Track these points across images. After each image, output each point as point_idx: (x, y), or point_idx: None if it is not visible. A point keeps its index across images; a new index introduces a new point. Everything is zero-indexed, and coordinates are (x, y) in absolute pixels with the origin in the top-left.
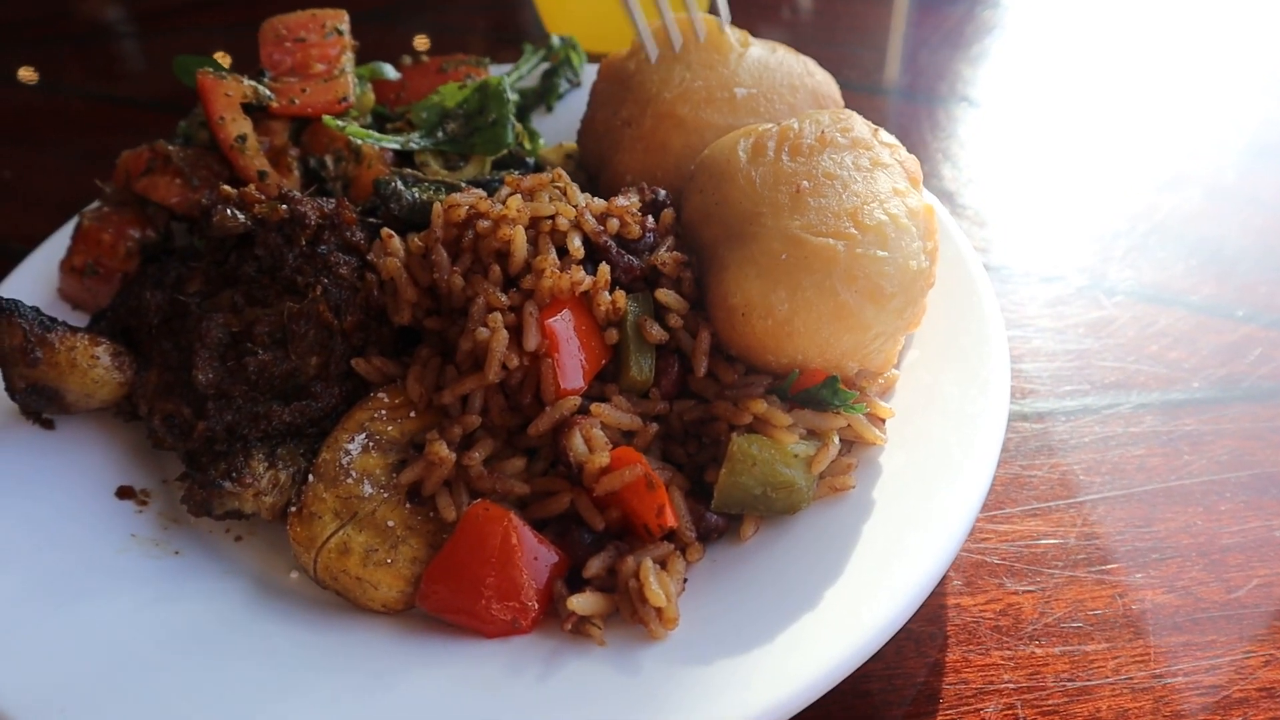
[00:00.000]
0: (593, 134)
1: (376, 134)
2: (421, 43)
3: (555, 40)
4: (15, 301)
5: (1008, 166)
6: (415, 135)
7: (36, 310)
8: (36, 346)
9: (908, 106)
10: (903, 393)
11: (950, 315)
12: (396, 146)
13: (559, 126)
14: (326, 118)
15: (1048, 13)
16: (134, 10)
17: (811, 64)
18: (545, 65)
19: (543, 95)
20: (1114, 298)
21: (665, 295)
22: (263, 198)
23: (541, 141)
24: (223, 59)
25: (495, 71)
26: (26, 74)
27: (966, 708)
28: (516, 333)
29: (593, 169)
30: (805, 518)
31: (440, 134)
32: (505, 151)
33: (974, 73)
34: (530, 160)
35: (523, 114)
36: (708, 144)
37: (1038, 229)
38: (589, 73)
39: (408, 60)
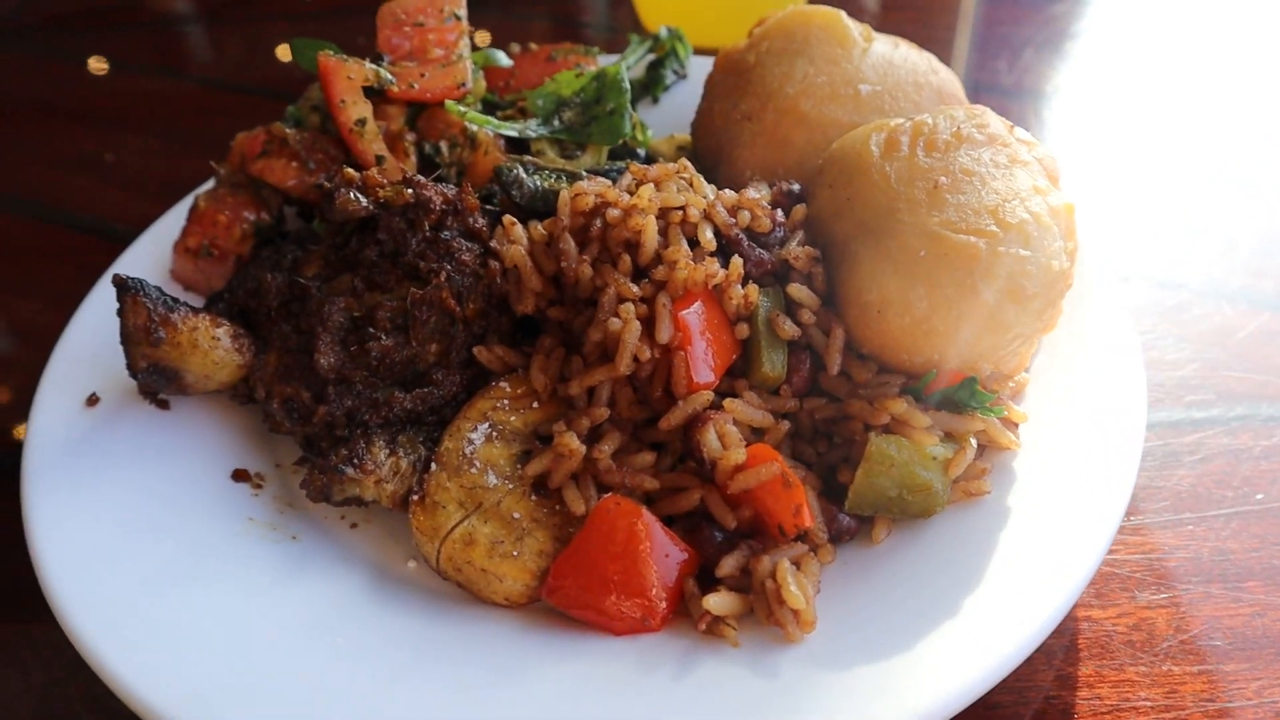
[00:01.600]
0: (709, 127)
1: (496, 120)
2: (482, 38)
3: (662, 31)
4: (140, 280)
5: (1122, 169)
6: (532, 123)
7: (160, 290)
8: (160, 326)
9: (1014, 104)
10: (1033, 397)
11: (1078, 318)
12: (514, 133)
13: (664, 118)
14: (448, 103)
15: (1165, 9)
16: None
17: (934, 60)
18: (651, 56)
19: (649, 86)
20: (1236, 305)
21: (798, 290)
22: (385, 182)
23: (650, 133)
24: (285, 51)
25: (604, 61)
26: (96, 64)
27: None
28: (647, 325)
29: (708, 162)
30: (939, 523)
31: (556, 122)
32: (621, 141)
33: (1085, 70)
34: (641, 151)
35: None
36: (831, 141)
37: (1155, 233)
38: (695, 65)
39: (516, 48)
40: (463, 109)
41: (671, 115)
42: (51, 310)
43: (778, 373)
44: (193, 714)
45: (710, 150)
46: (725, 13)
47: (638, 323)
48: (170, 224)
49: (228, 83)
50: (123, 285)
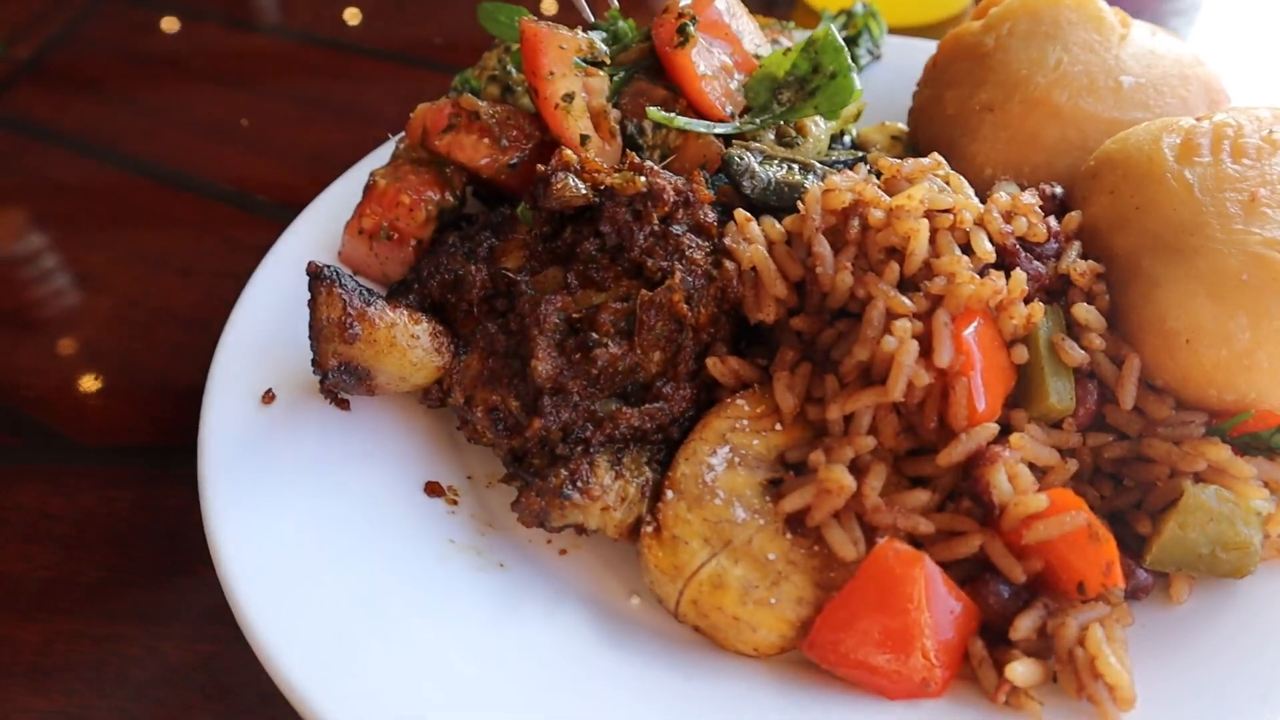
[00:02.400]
0: (937, 117)
1: (704, 122)
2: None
3: (857, 7)
4: (336, 269)
5: None
6: (752, 116)
7: (355, 281)
8: (356, 321)
9: None
10: None
11: None
12: (732, 130)
13: None
14: (651, 110)
15: None
16: None
17: (1198, 52)
18: (843, 34)
19: None
20: None
21: (1085, 312)
22: (604, 167)
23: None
24: (354, 14)
25: (799, 35)
26: (169, 24)
27: None
28: (922, 344)
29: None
30: (1251, 585)
31: (776, 106)
32: (853, 102)
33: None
34: (846, 138)
35: None
36: (1088, 138)
37: None
38: (890, 45)
39: None
40: (668, 114)
41: (866, 98)
42: (200, 286)
43: (1065, 404)
44: None
45: (935, 142)
46: None
47: (915, 343)
48: (331, 201)
49: (363, 46)
50: (318, 274)
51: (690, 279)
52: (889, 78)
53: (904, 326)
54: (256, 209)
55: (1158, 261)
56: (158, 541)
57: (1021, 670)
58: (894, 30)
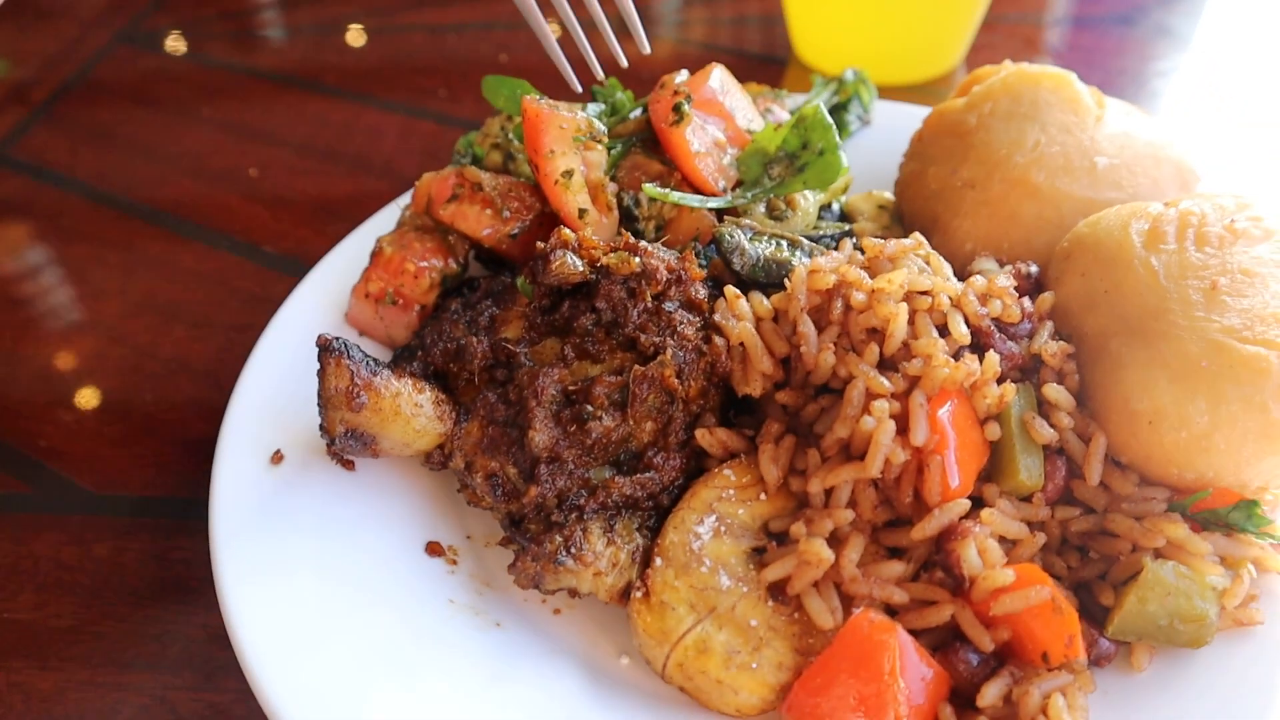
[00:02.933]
0: (921, 191)
1: (698, 197)
2: None
3: (847, 74)
4: (344, 341)
5: None
6: (743, 191)
7: (362, 351)
8: (363, 391)
9: None
10: None
11: None
12: (725, 204)
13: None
14: (647, 186)
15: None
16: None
17: (1171, 131)
18: (834, 100)
19: None
20: None
21: (1055, 391)
22: (600, 244)
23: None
24: (360, 63)
25: (791, 102)
26: (174, 44)
27: None
28: (899, 423)
29: (916, 227)
30: (1209, 654)
31: (767, 180)
32: (841, 178)
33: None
34: (835, 206)
35: None
36: (1064, 217)
37: None
38: (879, 111)
39: None
40: (663, 190)
41: (855, 164)
42: (210, 338)
43: (1035, 481)
44: None
45: (920, 215)
46: (888, 51)
47: (892, 423)
48: (340, 260)
49: (369, 96)
50: (327, 347)
51: (681, 354)
52: (879, 143)
53: (882, 407)
54: (264, 260)
55: (1124, 344)
56: (168, 592)
57: None
58: (883, 89)
